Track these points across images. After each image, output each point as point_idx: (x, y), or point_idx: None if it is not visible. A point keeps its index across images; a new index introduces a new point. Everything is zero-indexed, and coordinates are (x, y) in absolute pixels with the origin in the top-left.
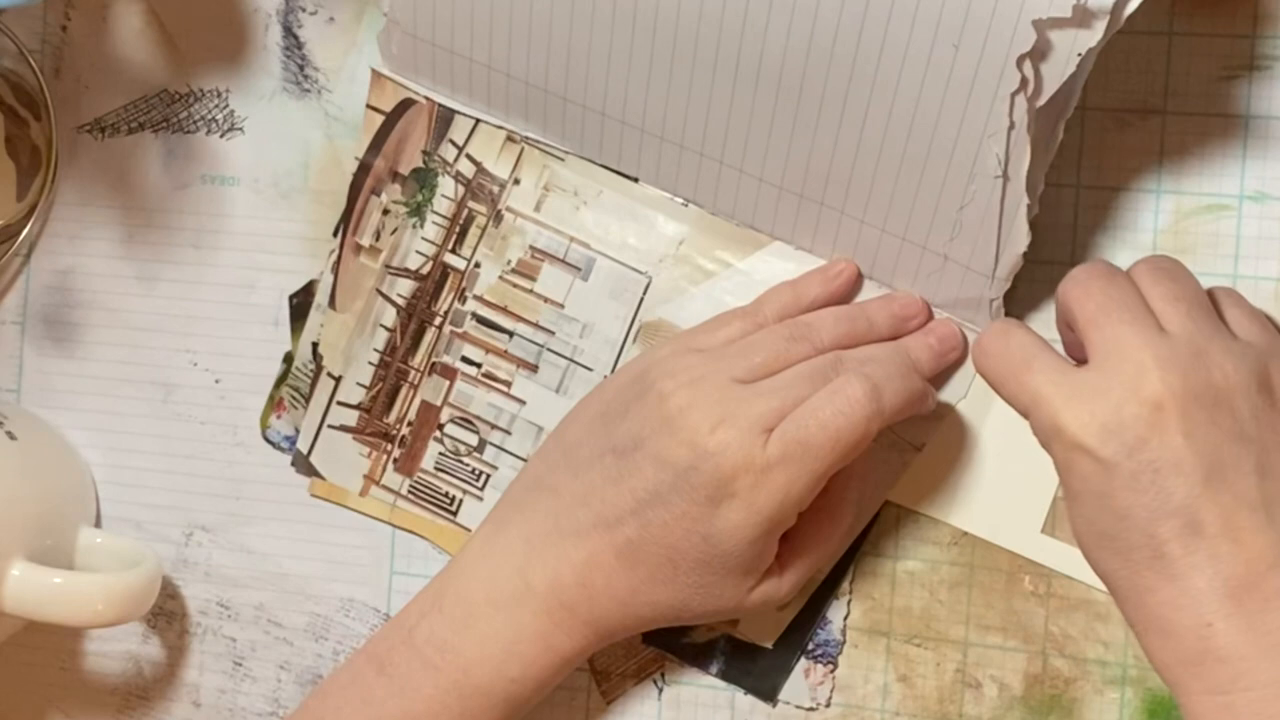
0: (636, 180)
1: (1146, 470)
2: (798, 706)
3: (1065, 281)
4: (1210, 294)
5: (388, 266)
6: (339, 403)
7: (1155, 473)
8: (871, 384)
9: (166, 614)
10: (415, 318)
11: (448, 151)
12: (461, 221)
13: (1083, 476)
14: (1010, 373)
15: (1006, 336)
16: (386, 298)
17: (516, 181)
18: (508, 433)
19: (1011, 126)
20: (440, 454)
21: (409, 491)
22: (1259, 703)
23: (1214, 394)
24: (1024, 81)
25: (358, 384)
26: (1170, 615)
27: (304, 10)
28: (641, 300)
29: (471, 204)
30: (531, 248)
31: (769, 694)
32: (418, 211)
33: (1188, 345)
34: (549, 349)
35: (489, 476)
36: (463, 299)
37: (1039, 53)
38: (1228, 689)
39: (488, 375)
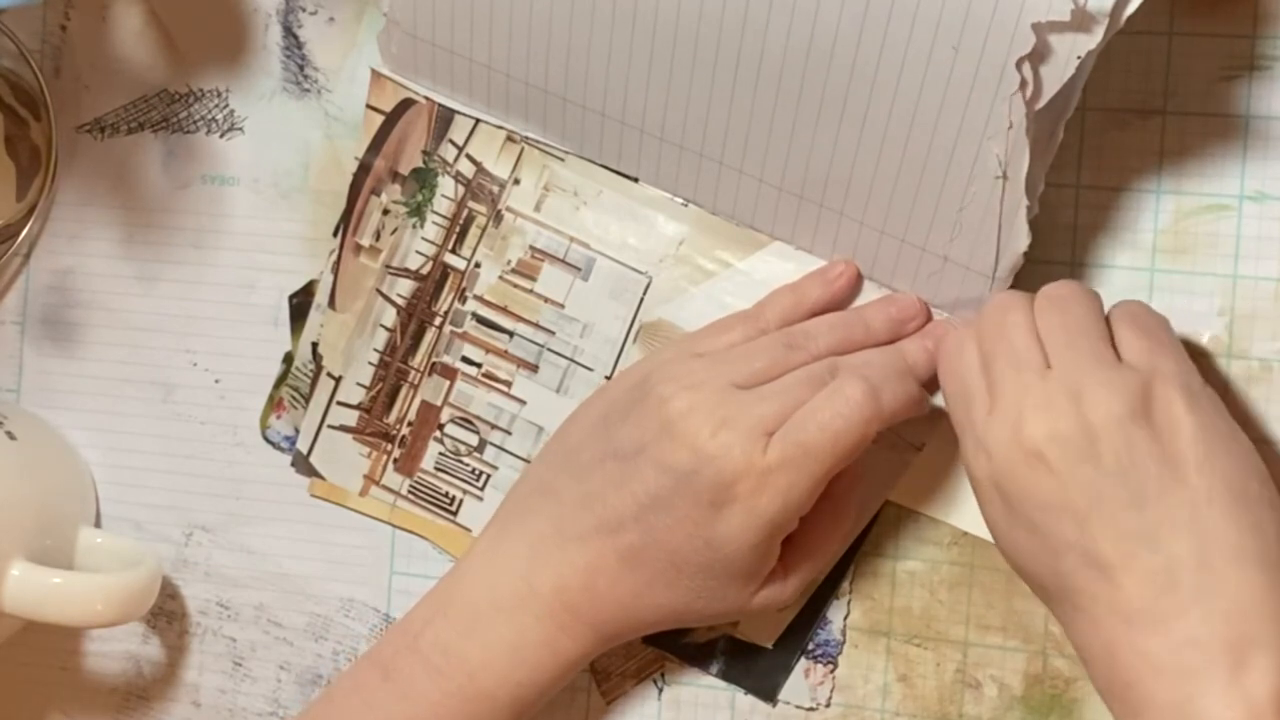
0: (636, 180)
1: (1036, 513)
2: (798, 706)
3: (979, 311)
4: (1109, 314)
5: (388, 266)
6: (339, 403)
7: (1044, 514)
8: (869, 385)
9: (166, 614)
10: (415, 318)
11: (448, 151)
12: (461, 221)
13: (992, 518)
14: (947, 396)
15: (960, 354)
16: (386, 298)
17: (516, 181)
18: (508, 433)
19: (1010, 128)
20: (440, 454)
21: (409, 491)
22: None
23: (1088, 433)
24: (1023, 83)
25: (358, 384)
26: (1083, 643)
27: (304, 10)
28: (641, 300)
29: (471, 204)
30: (531, 248)
31: (769, 694)
32: (418, 211)
33: (1063, 385)
34: (549, 349)
35: (489, 476)
36: (463, 299)
37: (1038, 55)
38: (1139, 712)
39: (488, 375)
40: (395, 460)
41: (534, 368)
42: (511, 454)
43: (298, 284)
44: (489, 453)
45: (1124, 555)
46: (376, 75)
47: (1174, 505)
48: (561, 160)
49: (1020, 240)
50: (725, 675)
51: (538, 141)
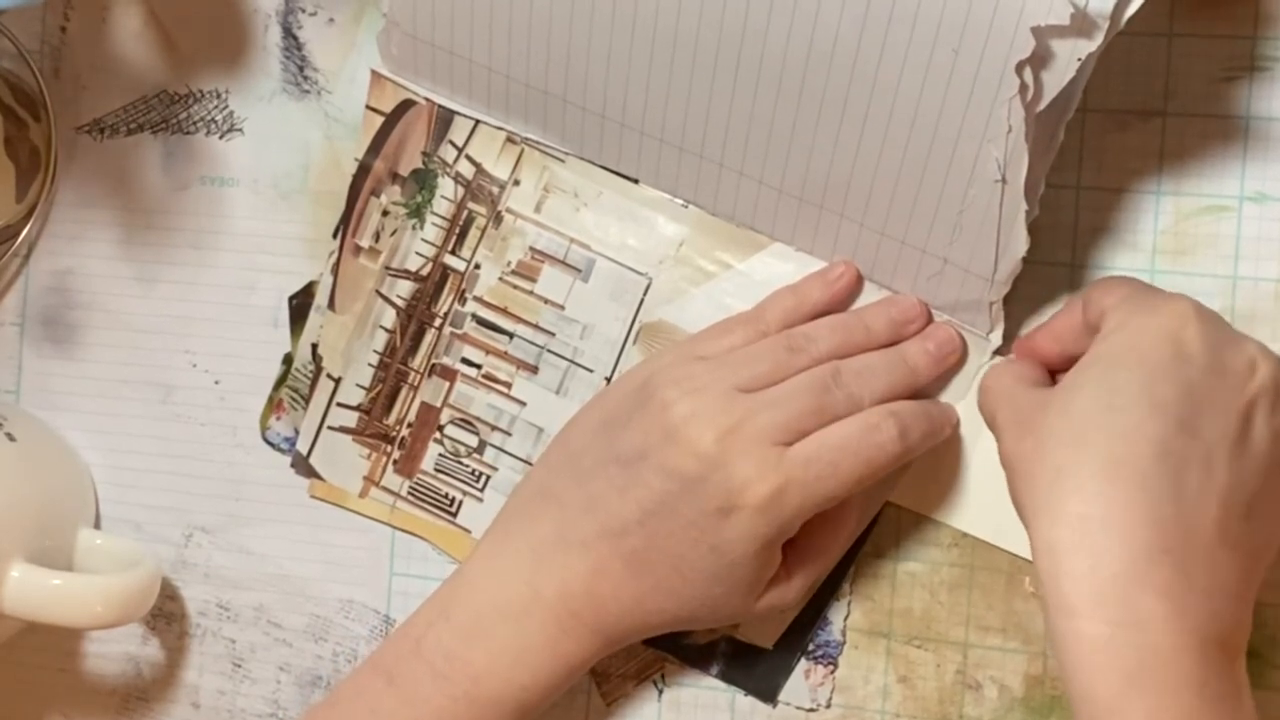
0: (637, 182)
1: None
2: (798, 707)
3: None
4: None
5: (387, 268)
6: (338, 404)
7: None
8: (901, 425)
9: (166, 615)
10: (415, 319)
11: (447, 153)
12: (461, 223)
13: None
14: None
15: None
16: (386, 299)
17: (516, 183)
18: (508, 434)
19: (1010, 131)
20: (440, 455)
21: (409, 493)
22: None
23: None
24: (1023, 87)
25: (357, 385)
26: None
27: (303, 11)
28: (642, 301)
29: (471, 205)
30: (531, 249)
31: (769, 695)
32: (417, 213)
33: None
34: (549, 350)
35: (489, 478)
36: (462, 300)
37: (1038, 58)
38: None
39: (488, 376)
40: (395, 461)
41: (534, 369)
42: (511, 455)
43: (297, 285)
44: (489, 454)
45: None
46: (376, 76)
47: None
48: (561, 161)
49: (1019, 244)
50: (725, 676)
51: (538, 143)
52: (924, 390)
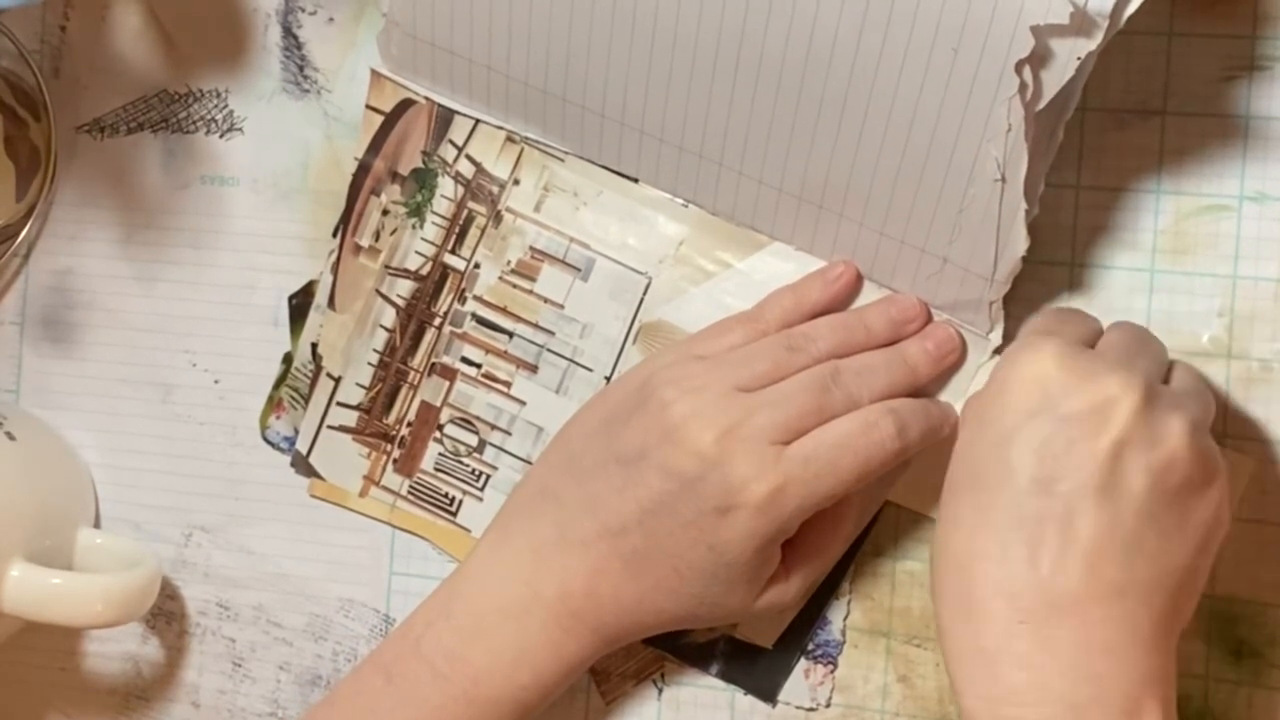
0: (636, 181)
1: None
2: (798, 707)
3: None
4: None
5: (387, 267)
6: (338, 403)
7: None
8: (900, 422)
9: (166, 615)
10: (415, 318)
11: (447, 152)
12: (461, 222)
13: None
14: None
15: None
16: (386, 298)
17: (516, 182)
18: (508, 433)
19: (1009, 130)
20: (440, 454)
21: (409, 492)
22: None
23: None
24: (1022, 86)
25: (357, 384)
26: None
27: (303, 10)
28: (641, 301)
29: (471, 204)
30: (531, 248)
31: (769, 694)
32: (417, 212)
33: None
34: (549, 349)
35: (489, 477)
36: (462, 299)
37: (1038, 57)
38: None
39: (487, 376)
40: (395, 461)
41: (534, 368)
42: (511, 454)
43: (297, 284)
44: (489, 453)
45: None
46: (376, 75)
47: None
48: (561, 161)
49: (1019, 243)
50: (725, 676)
51: (537, 142)
52: (923, 389)
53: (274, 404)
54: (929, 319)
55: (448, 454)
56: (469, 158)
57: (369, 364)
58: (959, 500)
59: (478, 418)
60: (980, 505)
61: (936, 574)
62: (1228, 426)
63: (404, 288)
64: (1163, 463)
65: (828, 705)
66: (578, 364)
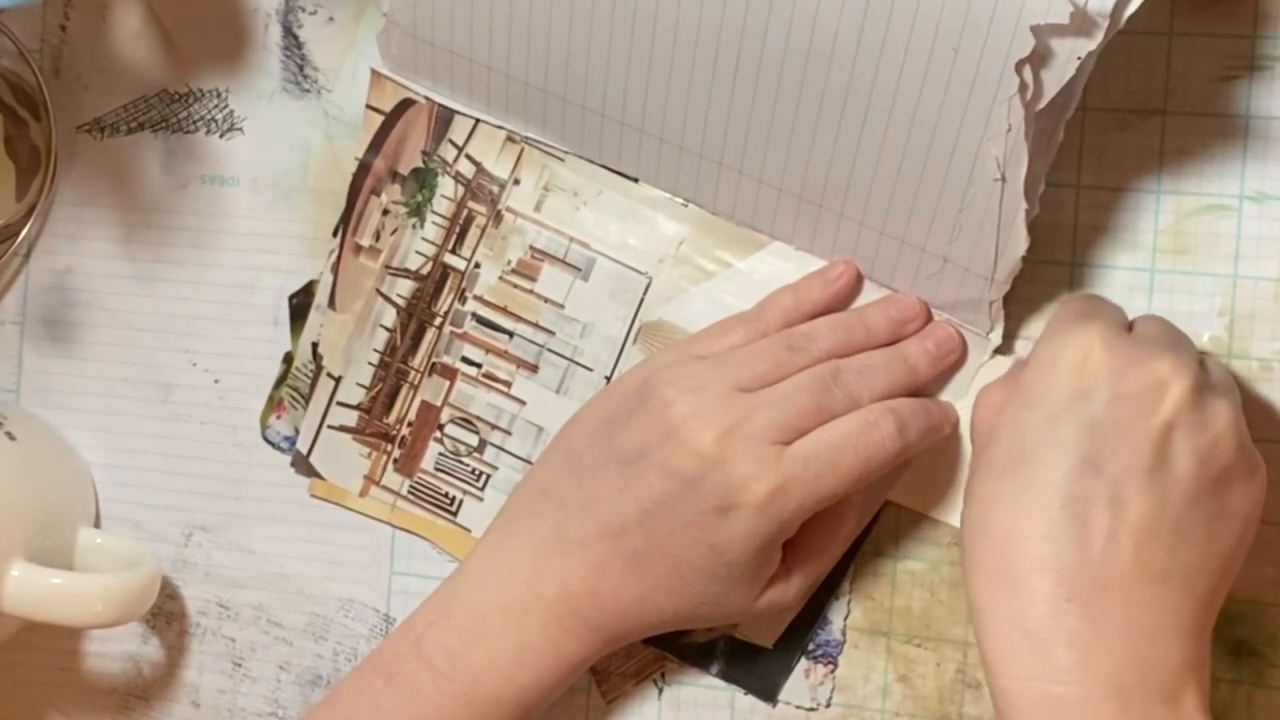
0: (636, 180)
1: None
2: (798, 707)
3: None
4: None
5: (387, 267)
6: (339, 403)
7: None
8: (900, 422)
9: (166, 614)
10: (415, 318)
11: (447, 151)
12: (461, 222)
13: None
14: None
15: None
16: (386, 298)
17: (516, 181)
18: (508, 433)
19: (1009, 130)
20: (440, 454)
21: (409, 492)
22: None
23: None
24: (1022, 86)
25: (357, 384)
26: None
27: (304, 10)
28: (642, 300)
29: (471, 204)
30: (531, 248)
31: (769, 694)
32: (417, 212)
33: None
34: (549, 349)
35: (489, 477)
36: (463, 299)
37: (1038, 57)
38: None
39: (488, 375)
40: (395, 460)
41: (534, 368)
42: (511, 454)
43: (297, 284)
44: (489, 453)
45: None
46: (376, 75)
47: None
48: (561, 160)
49: (1019, 243)
50: (725, 675)
51: (538, 142)
52: (924, 389)
53: (274, 404)
54: (929, 319)
55: (448, 454)
56: (469, 157)
57: (369, 364)
58: (999, 478)
59: (478, 417)
60: (1025, 483)
61: (972, 552)
62: None
63: (404, 287)
64: (1209, 447)
65: (828, 705)
66: (578, 364)
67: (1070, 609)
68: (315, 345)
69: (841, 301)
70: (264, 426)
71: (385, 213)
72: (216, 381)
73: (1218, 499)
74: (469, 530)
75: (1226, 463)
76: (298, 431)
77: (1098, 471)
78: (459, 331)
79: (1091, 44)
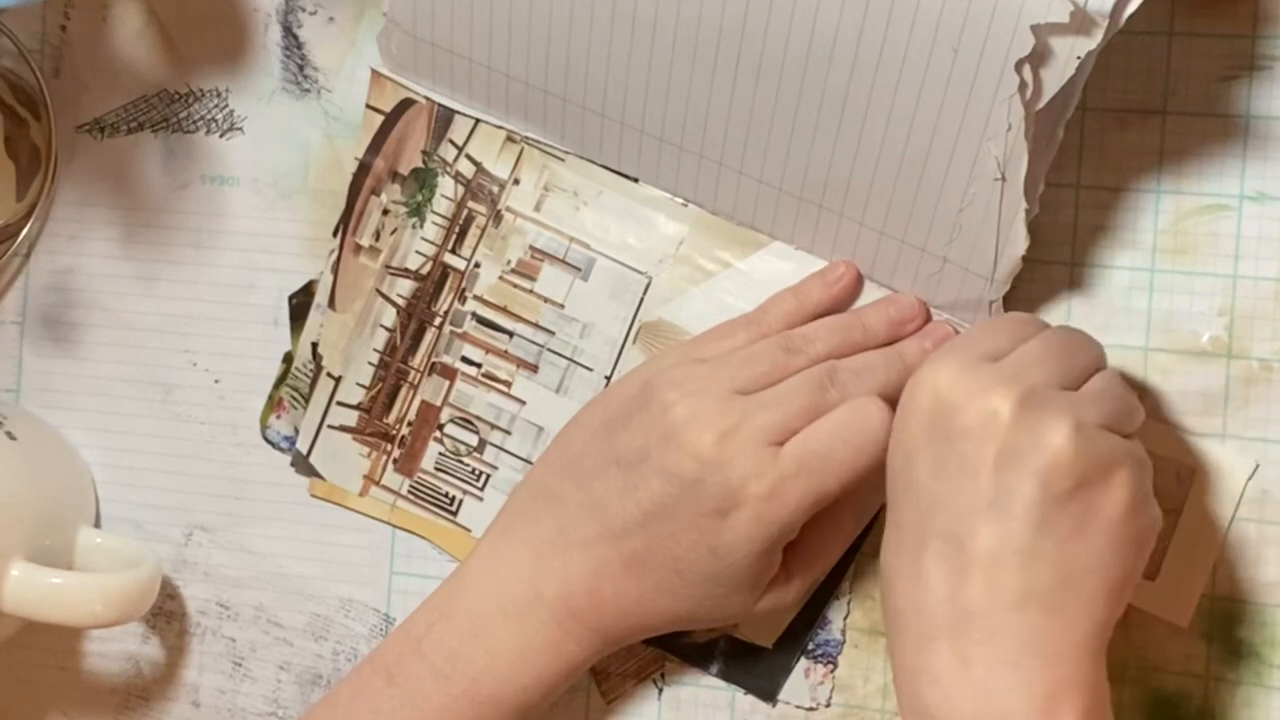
0: (636, 180)
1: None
2: (798, 706)
3: None
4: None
5: (387, 266)
6: (339, 403)
7: None
8: (888, 408)
9: (166, 614)
10: (415, 318)
11: (447, 151)
12: (461, 221)
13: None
14: None
15: None
16: (386, 298)
17: (516, 181)
18: (508, 433)
19: (1009, 129)
20: (440, 454)
21: (409, 492)
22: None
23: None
24: (1022, 85)
25: (357, 384)
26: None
27: (304, 10)
28: (642, 300)
29: (471, 204)
30: (531, 248)
31: (769, 694)
32: (417, 211)
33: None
34: (549, 349)
35: (489, 477)
36: (463, 299)
37: (1038, 57)
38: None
39: (488, 375)
40: (395, 460)
41: (534, 368)
42: (511, 454)
43: (297, 284)
44: (489, 453)
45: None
46: (376, 75)
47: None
48: (561, 160)
49: (1019, 243)
50: (725, 675)
51: (538, 141)
52: None
53: (274, 403)
54: (928, 319)
55: (448, 454)
56: (469, 157)
57: (369, 363)
58: (887, 519)
59: (478, 417)
60: (894, 524)
61: (880, 594)
62: (1228, 426)
63: (404, 287)
64: (1047, 467)
65: (828, 705)
66: (578, 364)
67: (934, 647)
68: (315, 345)
69: (842, 303)
70: (264, 426)
71: (385, 213)
72: (217, 381)
73: (1073, 514)
74: (469, 530)
75: (1074, 478)
76: (298, 431)
77: (945, 509)
78: (459, 331)
79: (1091, 43)
